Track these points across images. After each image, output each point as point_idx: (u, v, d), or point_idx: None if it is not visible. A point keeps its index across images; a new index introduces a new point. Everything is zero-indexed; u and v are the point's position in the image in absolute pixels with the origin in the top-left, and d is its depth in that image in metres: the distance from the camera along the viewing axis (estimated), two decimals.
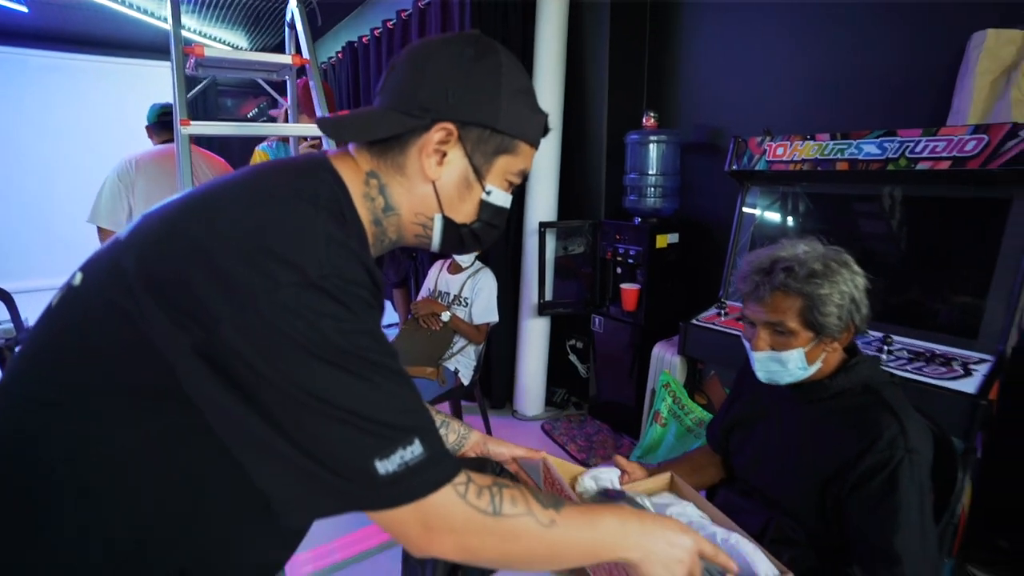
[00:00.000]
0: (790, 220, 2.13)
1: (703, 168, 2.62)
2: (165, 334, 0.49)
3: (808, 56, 2.21)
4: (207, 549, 0.60)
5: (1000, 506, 1.81)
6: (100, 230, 2.21)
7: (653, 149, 2.49)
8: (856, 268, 0.98)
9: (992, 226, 1.61)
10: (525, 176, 0.70)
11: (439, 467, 0.53)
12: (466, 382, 2.32)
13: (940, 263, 1.74)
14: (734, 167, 2.12)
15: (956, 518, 1.55)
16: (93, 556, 0.54)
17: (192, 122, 1.26)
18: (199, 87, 1.59)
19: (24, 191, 4.66)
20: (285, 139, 2.12)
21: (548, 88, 2.67)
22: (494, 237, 0.71)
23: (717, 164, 2.49)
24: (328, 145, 1.55)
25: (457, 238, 0.68)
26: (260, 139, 2.53)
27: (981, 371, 1.51)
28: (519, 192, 2.93)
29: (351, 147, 0.66)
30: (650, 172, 2.51)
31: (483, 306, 2.29)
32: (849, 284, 0.95)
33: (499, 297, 2.36)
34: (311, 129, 1.56)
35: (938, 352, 1.64)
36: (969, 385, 1.45)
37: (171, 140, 2.27)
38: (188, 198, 0.58)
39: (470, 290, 2.31)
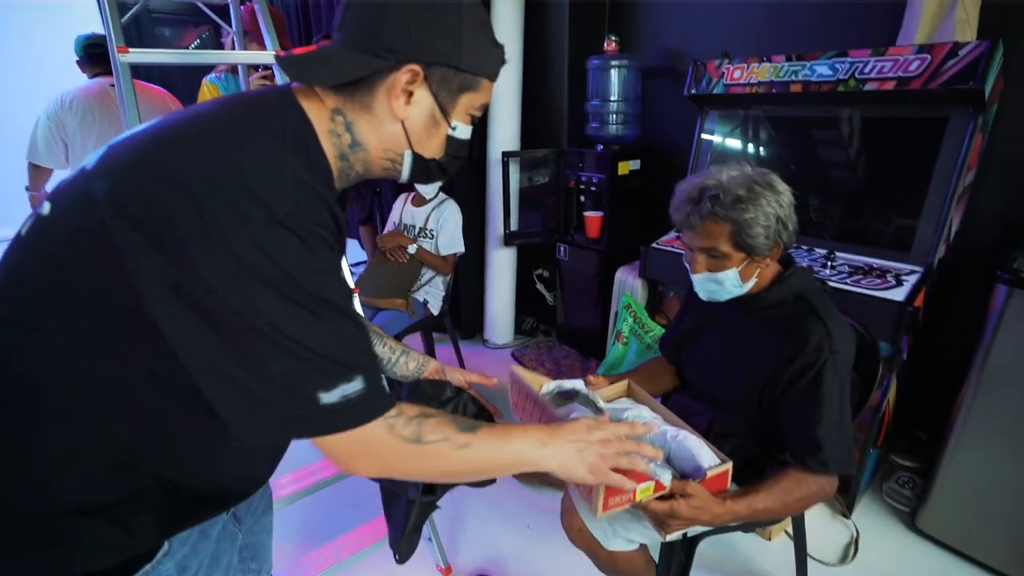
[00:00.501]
0: (747, 143, 2.18)
1: (664, 93, 2.62)
2: (135, 259, 0.52)
3: None
4: (191, 463, 0.66)
5: (921, 402, 2.02)
6: (35, 168, 2.15)
7: (614, 74, 2.47)
8: (781, 187, 1.04)
9: (930, 145, 1.70)
10: (485, 108, 0.74)
11: (374, 403, 0.59)
12: (436, 312, 2.38)
13: (883, 183, 1.84)
14: (693, 91, 2.14)
15: (882, 413, 1.73)
16: (80, 469, 0.59)
17: (131, 50, 1.19)
18: (131, 12, 1.48)
19: None
20: (234, 70, 2.01)
21: (507, 14, 2.58)
22: (457, 167, 0.76)
23: (678, 89, 2.49)
24: (280, 75, 1.50)
25: (425, 170, 0.72)
26: (205, 71, 2.40)
27: (911, 281, 1.64)
28: (482, 123, 2.88)
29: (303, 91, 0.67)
30: (612, 98, 2.50)
31: (448, 237, 2.32)
32: (774, 205, 1.01)
33: (465, 228, 2.38)
34: (262, 57, 1.49)
35: (875, 266, 1.76)
36: (898, 294, 1.58)
37: (104, 73, 2.16)
38: (160, 129, 0.59)
39: (435, 222, 2.33)
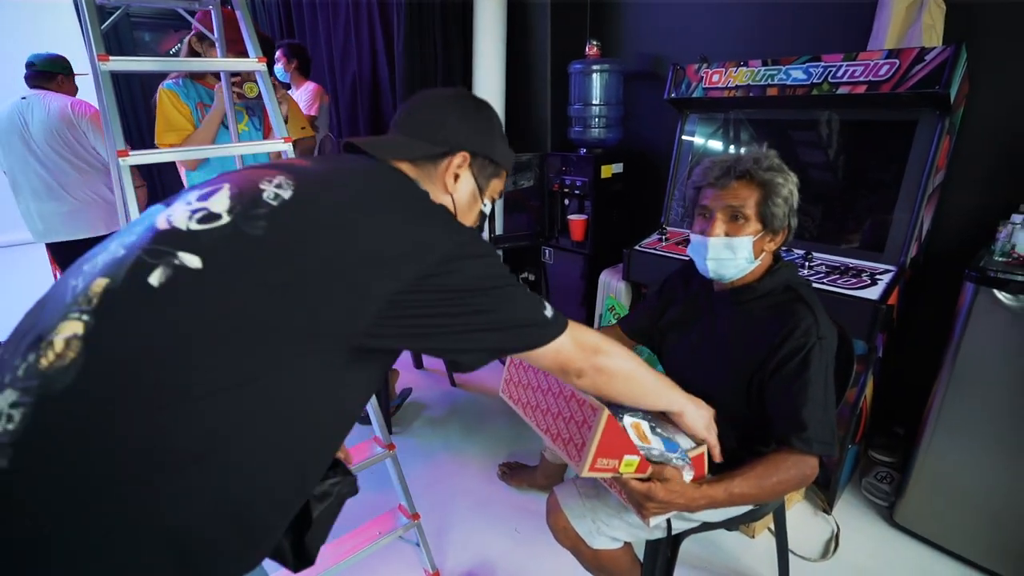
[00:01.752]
0: (727, 146, 2.22)
1: (645, 97, 2.66)
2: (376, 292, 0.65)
3: None
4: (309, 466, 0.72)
5: (898, 398, 2.06)
6: None
7: (596, 79, 2.50)
8: (797, 180, 1.12)
9: (900, 148, 1.75)
10: (502, 195, 0.98)
11: (562, 314, 0.81)
12: None
13: (858, 184, 1.88)
14: (673, 95, 2.17)
15: (859, 410, 1.77)
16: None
17: (112, 58, 1.19)
18: (113, 18, 1.47)
19: None
20: (195, 76, 1.97)
21: (490, 19, 2.60)
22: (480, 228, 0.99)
23: (658, 92, 2.53)
24: (263, 83, 1.50)
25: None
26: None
27: (884, 280, 1.68)
28: None
29: (390, 161, 0.83)
30: (594, 102, 2.53)
31: None
32: (793, 187, 1.10)
33: None
34: (246, 64, 1.49)
35: (851, 265, 1.81)
36: (873, 293, 1.62)
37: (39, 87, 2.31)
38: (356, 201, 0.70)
39: None
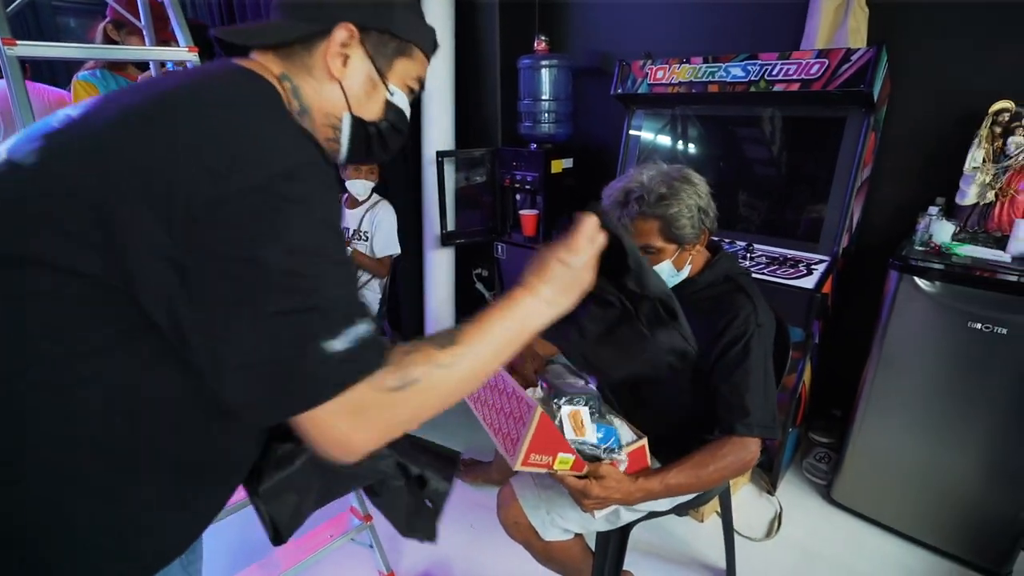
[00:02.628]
0: (674, 141, 2.27)
1: (594, 92, 2.69)
2: (138, 237, 0.50)
3: None
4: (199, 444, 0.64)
5: (834, 382, 2.17)
6: None
7: (545, 74, 2.50)
8: (696, 179, 1.14)
9: (831, 143, 1.83)
10: (422, 84, 0.76)
11: (373, 352, 0.55)
12: (374, 315, 2.34)
13: (795, 178, 1.97)
14: (619, 91, 2.21)
15: (798, 394, 1.85)
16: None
17: (19, 42, 1.10)
18: (20, 0, 1.36)
19: None
20: (114, 67, 1.86)
21: (439, 14, 2.57)
22: (398, 143, 0.76)
23: (607, 88, 2.56)
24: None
25: (364, 139, 0.72)
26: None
27: (819, 270, 1.76)
28: (415, 122, 2.85)
29: (253, 55, 0.68)
30: (543, 98, 2.54)
31: (384, 239, 2.29)
32: (693, 197, 1.11)
33: (400, 229, 2.36)
34: (177, 54, 1.41)
35: (789, 256, 1.88)
36: (808, 282, 1.69)
37: None
38: (130, 116, 0.55)
39: (369, 223, 2.29)
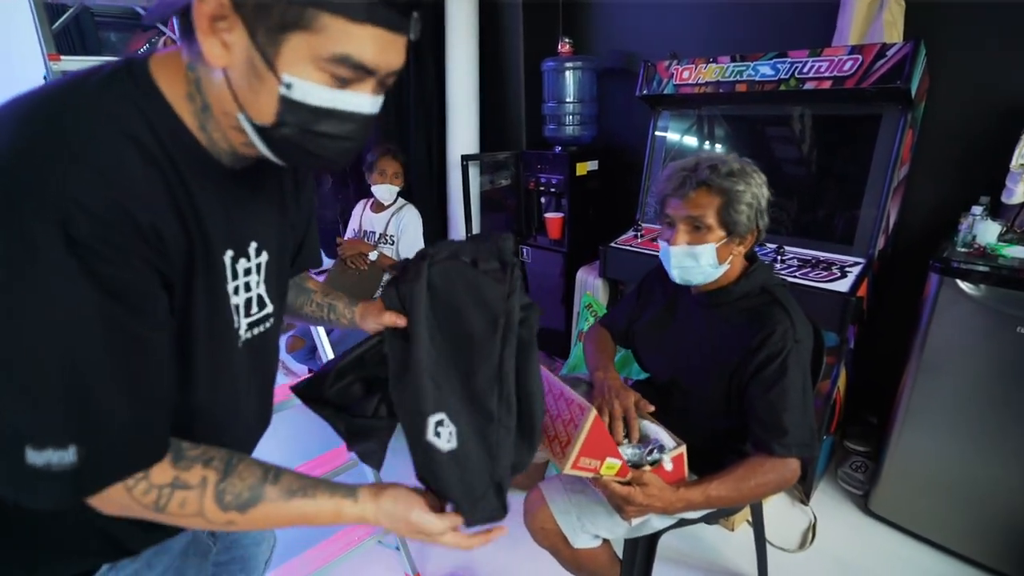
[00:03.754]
0: (701, 142, 2.23)
1: (619, 94, 2.67)
2: None
3: None
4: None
5: (870, 388, 2.10)
6: None
7: (569, 76, 2.50)
8: (763, 179, 1.12)
9: (866, 142, 1.77)
10: (367, 68, 0.51)
11: (87, 480, 0.49)
12: None
13: (827, 178, 1.91)
14: (644, 91, 2.18)
15: (833, 401, 1.80)
16: None
17: (63, 57, 1.15)
18: (64, 18, 1.42)
19: None
20: None
21: (462, 17, 2.59)
22: (339, 150, 0.55)
23: (632, 90, 2.54)
24: None
25: (280, 147, 0.54)
26: None
27: (854, 273, 1.71)
28: (440, 126, 2.88)
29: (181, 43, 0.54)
30: (568, 100, 2.53)
31: (410, 243, 2.31)
32: (758, 189, 1.09)
33: (426, 233, 2.37)
34: None
35: (822, 259, 1.83)
36: (843, 285, 1.64)
37: None
38: None
39: (395, 227, 2.31)
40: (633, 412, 1.09)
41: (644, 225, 2.28)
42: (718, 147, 2.20)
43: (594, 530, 1.15)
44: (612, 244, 2.20)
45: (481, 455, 0.68)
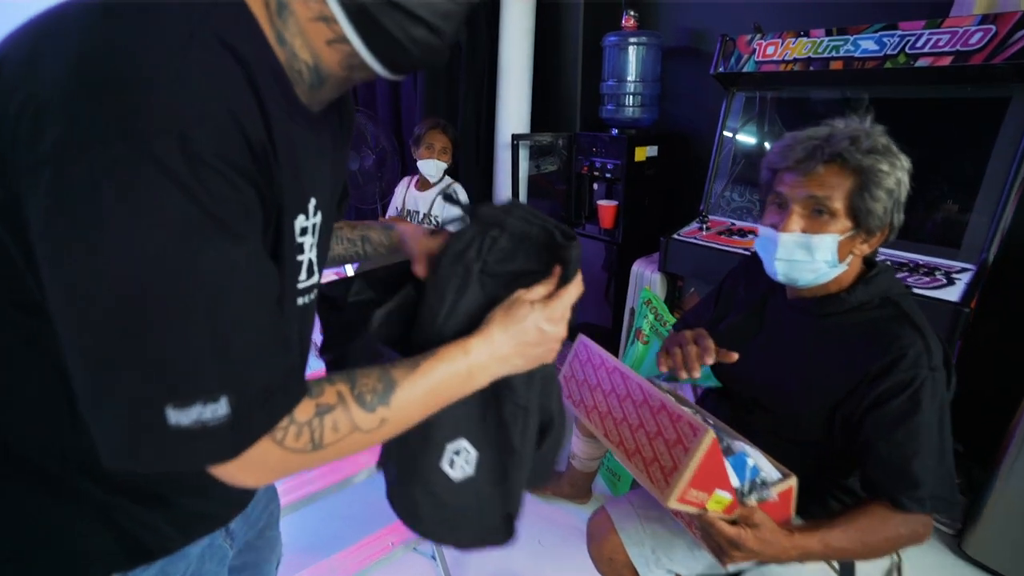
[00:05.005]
0: (777, 127, 2.02)
1: (685, 75, 2.46)
2: None
3: None
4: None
5: (968, 412, 1.87)
6: None
7: (632, 53, 2.30)
8: (909, 165, 0.90)
9: (987, 129, 1.54)
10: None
11: (243, 432, 0.43)
12: None
13: (930, 172, 1.68)
14: (720, 69, 1.97)
15: None
16: None
17: None
18: None
19: None
20: None
21: None
22: (444, 5, 0.47)
23: (699, 70, 2.32)
24: None
25: (372, 21, 0.45)
26: None
27: (964, 280, 1.49)
28: (489, 103, 2.71)
29: None
30: (629, 79, 2.33)
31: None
32: (903, 174, 0.88)
33: None
34: None
35: (921, 262, 1.61)
36: (951, 294, 1.43)
37: None
38: (38, 16, 0.42)
39: (440, 208, 2.17)
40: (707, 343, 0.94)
41: (711, 217, 2.08)
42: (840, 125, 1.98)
43: (670, 565, 0.99)
44: (675, 236, 2.01)
45: (496, 488, 0.62)
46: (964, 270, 1.54)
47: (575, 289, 0.62)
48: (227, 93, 0.40)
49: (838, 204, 0.87)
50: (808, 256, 0.91)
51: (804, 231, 0.90)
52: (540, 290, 0.61)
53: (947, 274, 1.53)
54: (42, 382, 0.46)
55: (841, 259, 0.91)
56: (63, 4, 0.41)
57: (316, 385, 0.49)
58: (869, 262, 0.99)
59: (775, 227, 0.93)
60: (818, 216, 0.89)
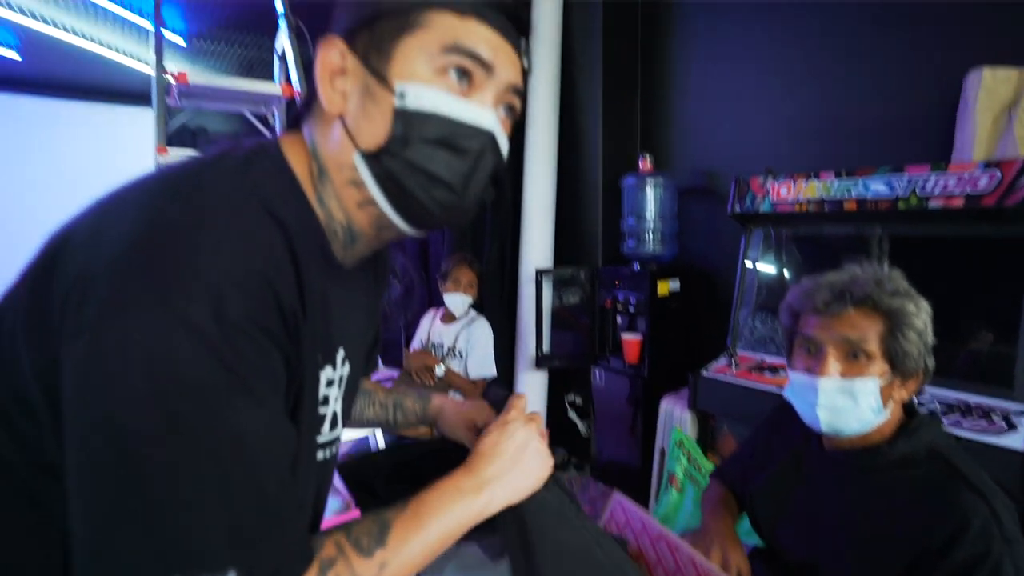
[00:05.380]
0: (798, 262, 2.04)
1: (700, 212, 2.56)
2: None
3: (802, 94, 2.19)
4: None
5: None
6: None
7: (650, 192, 2.43)
8: (928, 307, 0.89)
9: (1014, 266, 1.52)
10: (477, 56, 0.48)
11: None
12: None
13: (963, 308, 1.64)
14: (737, 209, 2.05)
15: None
16: None
17: (170, 149, 1.17)
18: (183, 118, 1.51)
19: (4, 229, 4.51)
20: None
21: (541, 131, 2.65)
22: (461, 171, 0.50)
23: (715, 207, 2.43)
24: None
25: (396, 184, 0.48)
26: None
27: None
28: (514, 238, 2.84)
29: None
30: (648, 216, 2.44)
31: (479, 359, 2.15)
32: (927, 316, 0.87)
33: (495, 349, 2.22)
34: None
35: (973, 404, 1.51)
36: (1017, 440, 1.31)
37: None
38: (100, 199, 0.48)
39: (465, 341, 2.18)
40: None
41: (739, 352, 2.03)
42: (819, 271, 1.99)
43: None
44: (704, 373, 1.95)
45: None
46: (1022, 413, 1.43)
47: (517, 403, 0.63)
48: (265, 260, 0.42)
49: (873, 346, 0.84)
50: (852, 402, 0.85)
51: (843, 375, 0.85)
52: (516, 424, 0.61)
53: (1006, 417, 1.42)
54: (42, 544, 0.45)
55: (885, 405, 0.85)
56: (129, 183, 0.46)
57: (317, 540, 0.48)
58: (909, 410, 0.92)
59: (811, 371, 0.88)
60: (855, 360, 0.85)
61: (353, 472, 0.69)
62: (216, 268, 0.39)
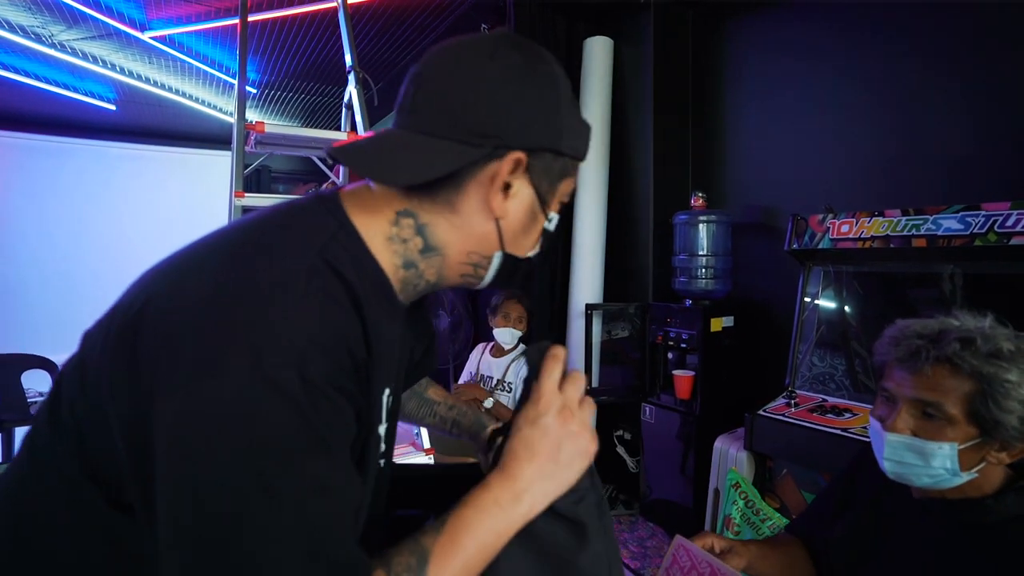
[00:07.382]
0: (857, 302, 1.96)
1: (755, 248, 2.52)
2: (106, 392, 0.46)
3: (856, 130, 2.16)
4: None
5: None
6: None
7: (703, 229, 2.41)
8: None
9: None
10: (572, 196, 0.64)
11: None
12: None
13: None
14: (795, 246, 2.01)
15: None
16: None
17: (246, 194, 1.28)
18: (253, 165, 1.64)
19: (98, 271, 4.83)
20: None
21: (592, 168, 2.69)
22: (535, 262, 0.64)
23: (770, 244, 2.39)
24: None
25: (509, 273, 0.60)
26: None
27: None
28: (564, 274, 2.87)
29: (371, 182, 0.55)
30: (701, 253, 2.42)
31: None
32: None
33: None
34: None
35: None
36: None
37: None
38: (176, 255, 0.52)
39: (514, 374, 2.18)
40: None
41: (799, 392, 1.96)
42: (881, 310, 1.91)
43: None
44: (760, 412, 1.89)
45: None
46: None
47: (548, 379, 0.57)
48: (339, 320, 0.46)
49: (954, 410, 0.77)
50: (921, 461, 0.79)
51: (915, 434, 0.80)
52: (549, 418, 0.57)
53: None
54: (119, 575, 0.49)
55: (966, 468, 0.78)
56: (206, 238, 0.51)
57: None
58: (1019, 468, 0.84)
59: (882, 422, 0.84)
60: (930, 420, 0.79)
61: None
62: (298, 330, 0.42)
